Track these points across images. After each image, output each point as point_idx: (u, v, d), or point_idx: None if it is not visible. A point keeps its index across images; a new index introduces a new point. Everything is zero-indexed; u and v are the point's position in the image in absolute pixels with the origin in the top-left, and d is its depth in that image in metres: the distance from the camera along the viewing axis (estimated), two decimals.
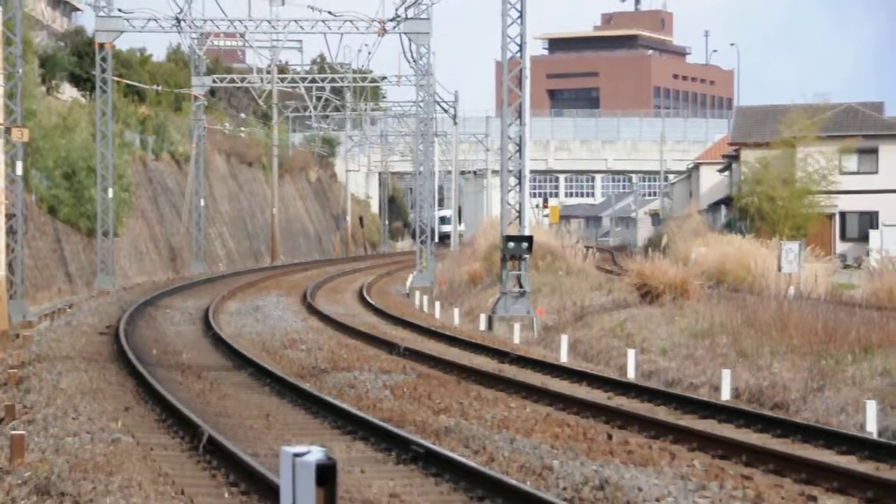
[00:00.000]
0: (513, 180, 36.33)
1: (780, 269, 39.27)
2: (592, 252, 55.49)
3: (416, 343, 30.04)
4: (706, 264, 46.70)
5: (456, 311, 40.12)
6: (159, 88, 72.35)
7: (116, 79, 57.94)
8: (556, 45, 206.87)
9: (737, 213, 67.64)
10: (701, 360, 26.63)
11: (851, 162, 64.77)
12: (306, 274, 65.37)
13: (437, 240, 66.56)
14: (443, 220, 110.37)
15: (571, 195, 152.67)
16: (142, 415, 19.65)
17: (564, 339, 29.71)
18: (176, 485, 14.37)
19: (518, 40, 35.70)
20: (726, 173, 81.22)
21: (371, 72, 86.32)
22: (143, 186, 63.76)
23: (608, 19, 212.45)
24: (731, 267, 45.49)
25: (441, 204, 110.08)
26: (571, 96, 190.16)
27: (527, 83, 35.86)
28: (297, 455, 7.82)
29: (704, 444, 17.07)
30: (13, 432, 16.29)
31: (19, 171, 37.16)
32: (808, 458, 15.85)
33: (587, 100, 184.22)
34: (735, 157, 73.19)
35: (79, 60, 68.60)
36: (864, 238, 62.99)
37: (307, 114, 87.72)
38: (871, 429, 19.03)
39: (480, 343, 29.96)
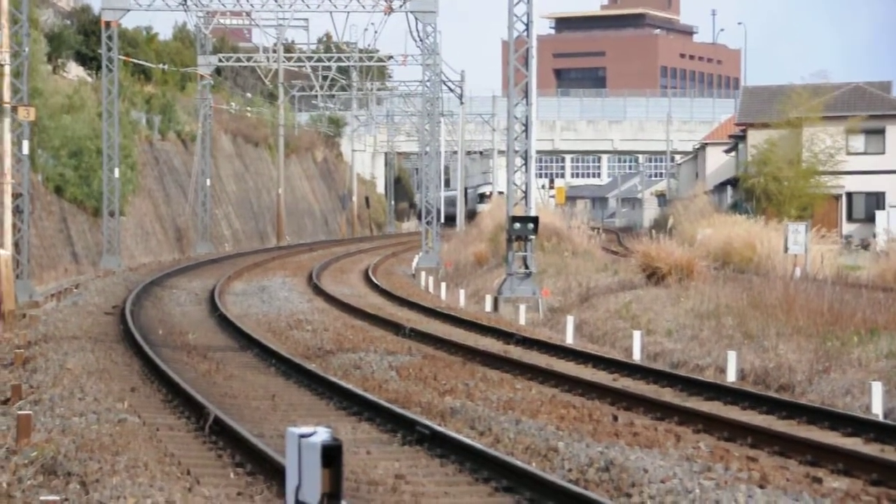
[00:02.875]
0: (519, 161, 36.29)
1: (786, 250, 39.27)
2: (598, 233, 55.44)
3: (421, 324, 30.06)
4: (712, 245, 46.67)
5: (462, 293, 40.14)
6: (165, 67, 72.30)
7: (123, 57, 57.91)
8: (563, 24, 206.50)
9: (743, 194, 67.57)
10: (706, 341, 26.64)
11: (858, 142, 64.61)
12: (312, 254, 65.40)
13: (443, 220, 66.23)
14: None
15: (577, 176, 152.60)
16: (148, 395, 19.69)
17: (570, 321, 29.72)
18: (182, 465, 14.41)
19: (525, 19, 35.63)
20: (733, 154, 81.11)
21: (377, 51, 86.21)
22: (149, 166, 63.77)
23: None
24: (737, 248, 45.47)
25: (447, 185, 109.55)
26: (578, 76, 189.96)
27: (533, 63, 35.79)
28: (303, 436, 7.83)
29: (710, 425, 17.08)
30: (20, 412, 16.34)
31: (25, 150, 37.16)
32: (814, 439, 15.86)
33: (594, 79, 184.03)
34: (742, 138, 73.06)
35: (85, 39, 68.59)
36: (870, 219, 62.90)
37: (313, 93, 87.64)
38: (877, 411, 19.04)
39: (486, 324, 29.97)
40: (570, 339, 28.56)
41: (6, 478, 14.20)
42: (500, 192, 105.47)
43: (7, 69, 34.29)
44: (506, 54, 38.60)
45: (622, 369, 22.83)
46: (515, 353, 25.11)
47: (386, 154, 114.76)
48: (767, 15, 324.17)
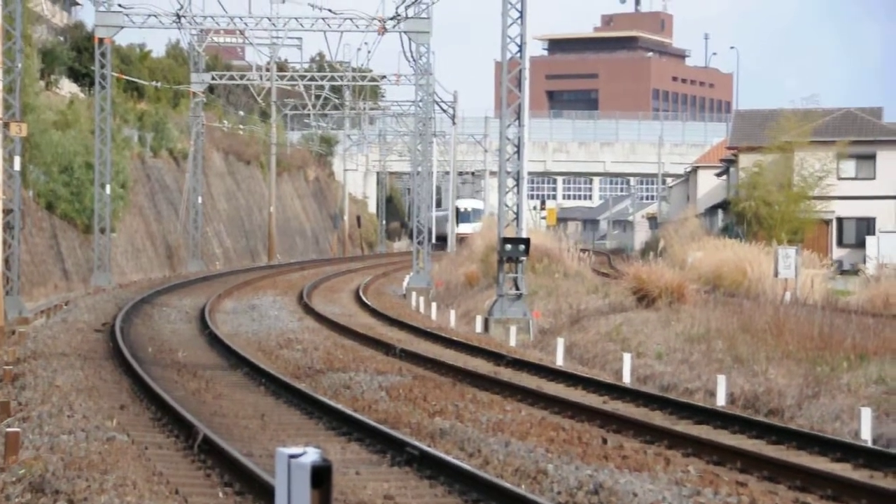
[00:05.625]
0: (510, 182, 36.32)
1: (776, 274, 39.31)
2: (589, 255, 55.48)
3: (412, 344, 30.04)
4: (703, 268, 46.73)
5: (452, 313, 40.12)
6: (158, 85, 72.34)
7: (115, 74, 57.92)
8: (556, 45, 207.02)
9: (734, 218, 67.68)
10: (696, 364, 26.65)
11: (849, 167, 64.78)
12: (303, 273, 65.35)
13: (434, 240, 66.01)
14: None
15: (569, 197, 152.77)
16: (137, 413, 19.63)
17: (560, 343, 29.71)
18: (170, 484, 14.36)
19: (518, 41, 35.68)
20: (724, 177, 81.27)
21: (370, 70, 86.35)
22: (140, 183, 63.73)
23: (608, 21, 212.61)
24: (727, 271, 45.51)
25: (439, 205, 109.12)
26: (570, 97, 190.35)
27: (526, 84, 35.85)
28: (292, 456, 7.81)
29: (699, 449, 17.07)
30: (8, 429, 16.29)
31: (17, 166, 37.14)
32: (803, 465, 15.86)
33: (586, 101, 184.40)
34: (733, 161, 73.25)
35: (78, 55, 68.65)
36: (860, 244, 63.01)
37: (306, 112, 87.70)
38: (866, 436, 19.04)
39: (476, 345, 29.95)
40: (560, 361, 28.54)
41: None
42: (472, 209, 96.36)
43: None
44: (499, 75, 38.67)
45: (612, 392, 22.81)
46: (505, 374, 25.09)
47: (378, 173, 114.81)
48: (760, 40, 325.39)
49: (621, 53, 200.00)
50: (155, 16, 50.81)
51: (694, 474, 15.24)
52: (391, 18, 51.29)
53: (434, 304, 43.79)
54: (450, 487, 14.37)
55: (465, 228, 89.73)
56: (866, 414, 19.26)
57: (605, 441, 17.51)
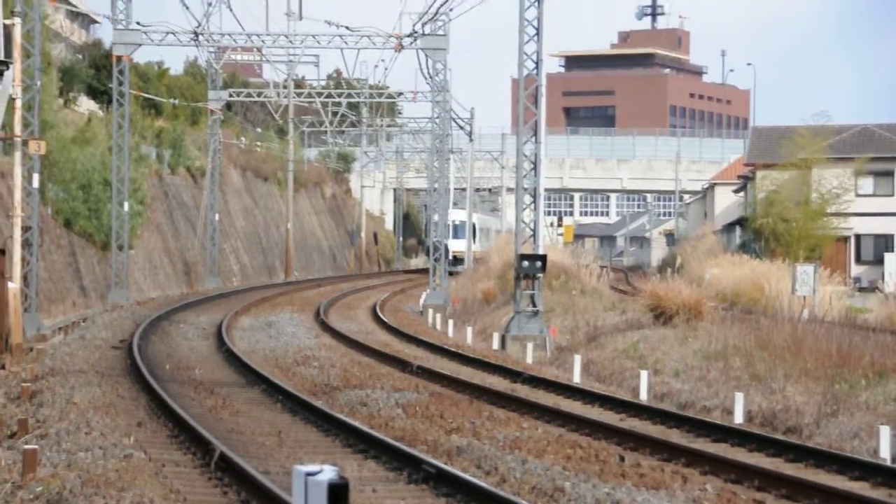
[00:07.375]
0: (527, 198, 36.32)
1: (794, 291, 39.24)
2: (606, 272, 55.42)
3: (428, 361, 30.02)
4: (720, 285, 46.69)
5: (469, 330, 40.10)
6: (176, 102, 72.58)
7: (134, 92, 58.13)
8: (573, 62, 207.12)
9: (751, 235, 67.54)
10: (714, 382, 26.58)
11: (867, 184, 64.64)
12: (320, 290, 65.40)
13: (450, 256, 65.69)
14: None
15: (586, 214, 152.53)
16: (154, 430, 19.66)
17: (577, 360, 29.66)
18: (187, 502, 14.38)
19: (534, 58, 35.74)
20: (741, 194, 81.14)
21: (387, 87, 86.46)
22: (158, 200, 63.90)
23: (625, 37, 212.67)
24: (745, 288, 45.44)
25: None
26: (587, 114, 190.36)
27: (542, 101, 35.88)
28: (309, 474, 7.82)
29: (717, 467, 17.02)
30: (26, 447, 16.31)
31: (36, 183, 37.28)
32: (821, 483, 15.79)
33: (603, 118, 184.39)
34: (751, 178, 73.11)
35: (96, 73, 68.96)
36: (879, 261, 62.82)
37: (323, 129, 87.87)
38: (885, 455, 18.96)
39: (493, 362, 29.92)
40: (577, 379, 28.50)
41: None
42: (461, 223, 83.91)
43: (19, 102, 34.47)
44: (515, 92, 38.72)
45: (629, 409, 22.77)
46: (522, 391, 25.06)
47: (395, 190, 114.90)
48: (777, 56, 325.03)
49: (638, 70, 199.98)
50: (173, 33, 51.01)
51: (711, 492, 15.20)
52: (408, 35, 51.39)
53: (451, 321, 43.77)
54: None
55: (453, 245, 76.19)
56: (885, 432, 19.18)
57: (622, 459, 17.47)
